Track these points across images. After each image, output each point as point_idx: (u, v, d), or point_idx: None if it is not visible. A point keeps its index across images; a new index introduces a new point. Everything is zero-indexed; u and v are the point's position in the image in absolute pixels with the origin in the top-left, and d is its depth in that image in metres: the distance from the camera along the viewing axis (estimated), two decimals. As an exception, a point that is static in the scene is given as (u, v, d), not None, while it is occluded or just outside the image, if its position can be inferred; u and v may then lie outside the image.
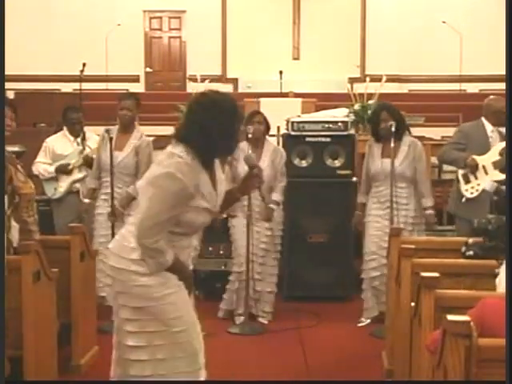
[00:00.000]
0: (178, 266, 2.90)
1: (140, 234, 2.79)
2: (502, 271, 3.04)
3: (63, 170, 6.09)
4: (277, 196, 5.57)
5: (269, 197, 5.45)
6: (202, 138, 2.82)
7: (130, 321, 2.87)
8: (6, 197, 3.86)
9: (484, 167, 5.45)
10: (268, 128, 5.59)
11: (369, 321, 5.57)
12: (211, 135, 2.83)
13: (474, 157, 5.47)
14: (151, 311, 2.84)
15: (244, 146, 5.28)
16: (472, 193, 5.50)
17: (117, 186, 5.36)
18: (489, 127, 5.55)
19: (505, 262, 3.06)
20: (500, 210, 3.56)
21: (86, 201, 5.71)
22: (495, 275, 3.17)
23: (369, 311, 5.58)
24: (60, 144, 6.19)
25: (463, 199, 5.57)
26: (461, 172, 5.60)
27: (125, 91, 13.40)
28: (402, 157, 5.46)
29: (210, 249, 6.19)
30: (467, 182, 5.53)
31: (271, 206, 5.49)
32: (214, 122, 2.83)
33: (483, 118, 5.60)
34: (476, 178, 5.48)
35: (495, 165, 5.37)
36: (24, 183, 4.25)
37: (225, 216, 5.34)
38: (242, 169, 4.93)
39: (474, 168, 5.45)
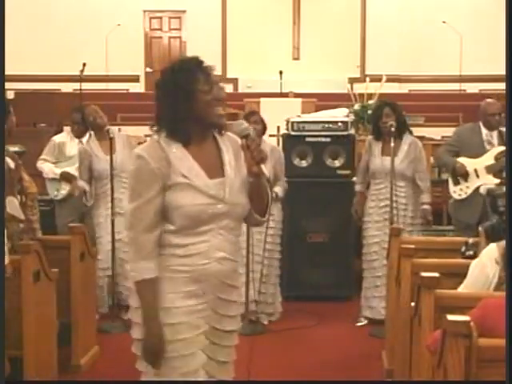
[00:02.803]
0: (147, 295, 2.43)
1: (126, 225, 2.50)
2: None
3: (67, 178, 6.09)
4: (279, 189, 5.54)
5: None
6: (162, 110, 2.51)
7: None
8: (17, 195, 3.89)
9: (476, 170, 5.45)
10: (265, 128, 5.58)
11: (366, 321, 5.58)
12: (167, 102, 2.49)
13: (464, 161, 5.47)
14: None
15: None
16: (460, 195, 5.51)
17: (118, 189, 5.40)
18: (484, 131, 5.54)
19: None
20: (494, 209, 3.57)
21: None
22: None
23: (368, 311, 5.57)
24: (66, 144, 6.23)
25: (451, 200, 5.63)
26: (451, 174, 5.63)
27: (124, 91, 13.48)
28: (402, 156, 5.45)
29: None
30: (456, 183, 5.54)
31: (275, 191, 5.46)
32: (164, 87, 2.50)
33: (480, 122, 5.60)
34: (466, 180, 5.49)
35: (488, 169, 5.38)
36: (29, 183, 4.30)
37: None
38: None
39: (462, 176, 5.47)
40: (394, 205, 5.35)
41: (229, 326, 2.55)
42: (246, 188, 2.56)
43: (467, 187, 5.47)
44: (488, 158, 5.41)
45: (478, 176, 5.43)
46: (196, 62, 2.51)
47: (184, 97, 2.46)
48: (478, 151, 5.47)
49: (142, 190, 2.43)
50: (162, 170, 2.42)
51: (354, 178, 6.00)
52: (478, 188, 5.36)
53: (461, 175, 5.48)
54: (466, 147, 5.54)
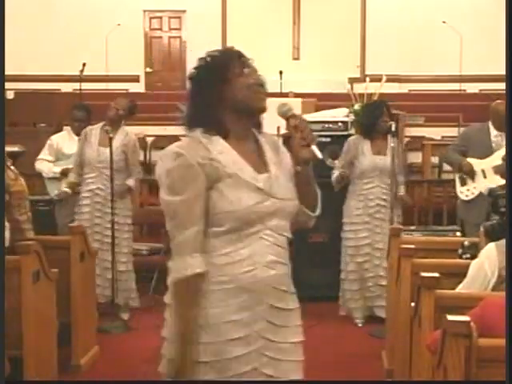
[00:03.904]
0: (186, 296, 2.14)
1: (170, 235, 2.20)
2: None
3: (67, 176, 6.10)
4: None
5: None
6: (195, 104, 2.30)
7: None
8: None
9: (483, 171, 5.44)
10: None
11: (363, 321, 5.58)
12: (200, 92, 2.28)
13: (471, 161, 5.47)
14: None
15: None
16: (467, 195, 5.50)
17: (101, 182, 5.49)
18: (493, 131, 5.52)
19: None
20: (496, 209, 3.57)
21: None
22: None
23: (359, 311, 5.57)
24: (66, 143, 6.21)
25: (458, 201, 5.62)
26: (458, 174, 5.61)
27: (124, 91, 13.47)
28: (390, 154, 5.44)
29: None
30: (463, 184, 5.53)
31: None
32: (197, 77, 2.30)
33: (489, 122, 5.58)
34: (473, 181, 5.48)
35: (496, 170, 5.35)
36: (14, 180, 4.21)
37: None
38: None
39: (469, 173, 5.45)
40: (383, 203, 5.37)
41: (291, 338, 2.25)
42: (293, 183, 2.33)
43: (474, 188, 5.46)
44: (496, 159, 5.39)
45: (485, 176, 5.42)
46: (232, 50, 2.34)
47: (219, 81, 2.23)
48: (485, 152, 5.46)
49: (184, 186, 2.16)
50: (204, 168, 2.17)
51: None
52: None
53: (467, 173, 5.46)
54: (474, 147, 5.53)
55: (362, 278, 5.51)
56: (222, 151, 2.21)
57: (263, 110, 2.31)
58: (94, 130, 5.61)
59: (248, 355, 2.17)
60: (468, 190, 5.49)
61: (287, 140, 2.38)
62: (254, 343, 2.17)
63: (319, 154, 2.27)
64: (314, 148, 2.28)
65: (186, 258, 2.13)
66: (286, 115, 2.31)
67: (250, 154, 2.28)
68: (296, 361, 2.27)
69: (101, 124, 5.63)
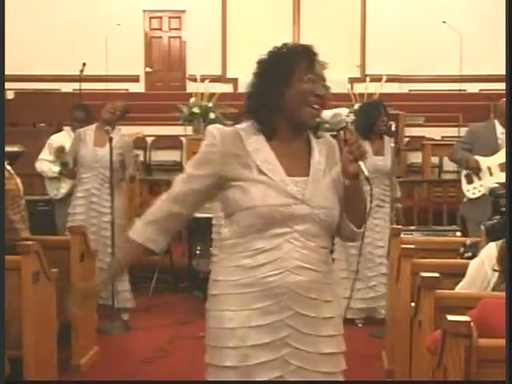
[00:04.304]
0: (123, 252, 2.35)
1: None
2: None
3: (61, 150, 6.09)
4: None
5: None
6: (251, 97, 2.24)
7: None
8: None
9: (489, 168, 5.44)
10: None
11: (363, 321, 5.57)
12: (258, 87, 2.22)
13: (478, 158, 5.47)
14: None
15: None
16: (474, 193, 5.50)
17: (97, 181, 5.47)
18: (499, 129, 5.52)
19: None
20: (497, 209, 3.58)
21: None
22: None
23: (363, 311, 5.56)
24: (65, 143, 6.21)
25: (464, 199, 5.61)
26: (464, 172, 5.61)
27: (124, 91, 13.47)
28: (388, 155, 5.44)
29: (211, 249, 6.19)
30: (470, 182, 5.53)
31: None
32: (259, 71, 2.24)
33: (495, 120, 5.59)
34: (479, 178, 5.48)
35: (502, 167, 5.35)
36: (7, 179, 4.20)
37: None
38: None
39: (475, 169, 5.46)
40: (382, 204, 5.38)
41: (323, 348, 2.20)
42: (338, 193, 2.22)
43: (481, 185, 5.46)
44: (501, 156, 5.38)
45: (491, 174, 5.43)
46: (303, 46, 2.27)
47: (278, 80, 2.16)
48: (491, 149, 5.47)
49: (195, 165, 2.20)
50: (228, 158, 2.15)
51: None
52: None
53: (474, 169, 5.47)
54: (480, 145, 5.54)
55: (365, 277, 5.51)
56: (258, 148, 2.16)
57: (312, 125, 2.23)
58: (89, 131, 5.62)
59: (272, 362, 2.12)
60: (474, 187, 5.50)
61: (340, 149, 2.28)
62: (279, 350, 2.12)
63: (366, 172, 2.16)
64: (361, 164, 2.17)
65: (140, 224, 2.23)
66: (338, 126, 2.22)
67: (293, 157, 2.20)
68: (326, 372, 2.21)
69: (94, 125, 5.64)
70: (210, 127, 2.23)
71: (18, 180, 4.39)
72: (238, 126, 2.23)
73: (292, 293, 2.12)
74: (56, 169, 6.14)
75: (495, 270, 3.02)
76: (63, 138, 6.30)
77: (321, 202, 2.17)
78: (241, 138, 2.17)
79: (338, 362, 2.27)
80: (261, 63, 2.23)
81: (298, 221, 2.13)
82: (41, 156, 6.24)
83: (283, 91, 2.15)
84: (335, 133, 2.24)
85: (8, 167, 4.32)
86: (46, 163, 6.18)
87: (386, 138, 5.51)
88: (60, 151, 6.08)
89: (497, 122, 5.57)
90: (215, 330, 2.17)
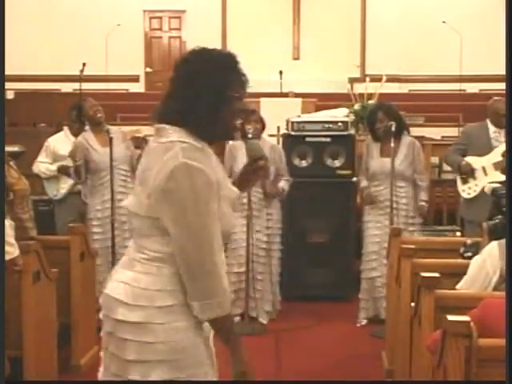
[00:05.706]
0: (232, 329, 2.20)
1: (191, 270, 2.07)
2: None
3: (65, 172, 6.07)
4: (284, 183, 5.60)
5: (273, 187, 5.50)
6: (191, 106, 2.11)
7: None
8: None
9: (484, 168, 5.45)
10: (264, 126, 5.61)
11: (365, 321, 5.57)
12: (199, 99, 2.10)
13: (471, 159, 5.48)
14: None
15: (240, 145, 5.26)
16: (469, 193, 5.50)
17: (119, 178, 5.48)
18: (492, 128, 5.55)
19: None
20: (498, 208, 3.57)
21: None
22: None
23: (366, 311, 5.57)
24: (61, 144, 6.17)
25: (461, 200, 5.62)
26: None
27: (124, 91, 13.47)
28: (402, 156, 5.46)
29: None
30: (465, 182, 5.54)
31: (281, 186, 5.54)
32: (197, 82, 2.13)
33: (488, 119, 5.60)
34: (474, 178, 5.49)
35: (496, 166, 5.37)
36: (17, 179, 4.24)
37: None
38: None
39: (468, 174, 5.47)
40: (395, 205, 5.36)
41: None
42: None
43: (476, 185, 5.46)
44: (495, 155, 5.40)
45: (486, 173, 5.43)
46: (235, 62, 2.19)
47: (219, 98, 2.11)
48: (485, 149, 5.48)
49: (207, 206, 2.04)
50: (217, 183, 2.09)
51: (354, 179, 5.98)
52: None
53: (466, 173, 5.48)
54: (474, 145, 5.56)
55: (371, 277, 5.52)
56: (217, 165, 2.16)
57: (232, 139, 2.45)
58: (87, 135, 5.63)
59: None
60: (470, 187, 5.50)
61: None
62: None
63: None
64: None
65: (227, 294, 2.09)
66: (256, 155, 2.31)
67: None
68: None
69: (88, 129, 5.66)
70: (183, 165, 2.03)
71: (26, 180, 4.42)
72: (183, 139, 2.09)
73: None
74: (53, 167, 6.11)
75: None
76: (60, 140, 6.25)
77: None
78: (207, 155, 2.13)
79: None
80: (190, 65, 2.19)
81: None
82: (38, 159, 6.23)
83: (217, 106, 2.12)
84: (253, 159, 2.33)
85: (15, 167, 4.35)
86: (42, 164, 6.17)
87: (404, 138, 5.51)
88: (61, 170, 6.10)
89: (489, 122, 5.58)
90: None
